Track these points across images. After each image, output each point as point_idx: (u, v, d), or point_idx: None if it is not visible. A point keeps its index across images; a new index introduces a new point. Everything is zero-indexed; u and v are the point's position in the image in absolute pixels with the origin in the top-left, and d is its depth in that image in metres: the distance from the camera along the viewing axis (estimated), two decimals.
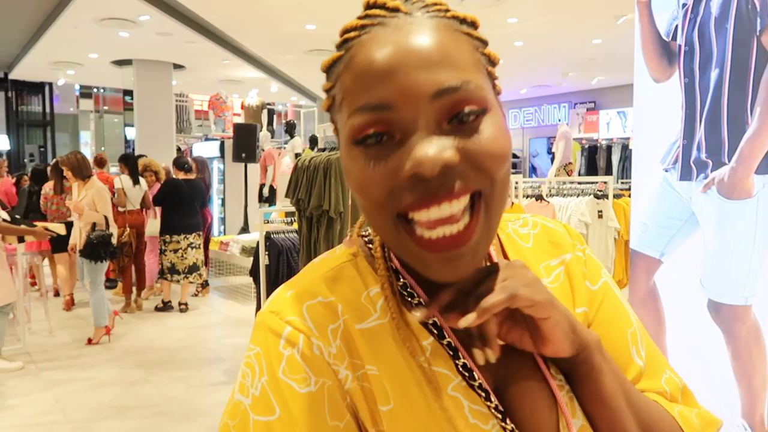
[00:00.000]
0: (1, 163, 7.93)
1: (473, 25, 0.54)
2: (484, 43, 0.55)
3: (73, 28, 7.31)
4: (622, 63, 7.36)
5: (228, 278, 7.77)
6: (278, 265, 5.01)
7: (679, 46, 2.77)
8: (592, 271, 0.66)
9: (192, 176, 6.12)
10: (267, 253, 5.02)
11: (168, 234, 5.83)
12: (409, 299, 0.57)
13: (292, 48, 8.12)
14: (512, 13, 6.49)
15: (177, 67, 9.32)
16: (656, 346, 0.66)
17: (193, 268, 5.92)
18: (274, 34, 7.47)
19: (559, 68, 9.94)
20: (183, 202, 5.80)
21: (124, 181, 6.04)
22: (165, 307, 6.14)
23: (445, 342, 0.56)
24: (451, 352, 0.55)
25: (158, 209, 6.07)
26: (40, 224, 4.59)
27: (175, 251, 5.81)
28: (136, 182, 6.07)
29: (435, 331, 0.56)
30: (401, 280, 0.58)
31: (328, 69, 0.54)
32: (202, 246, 6.07)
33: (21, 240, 4.94)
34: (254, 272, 5.98)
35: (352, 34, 0.52)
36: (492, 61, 0.56)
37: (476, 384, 0.55)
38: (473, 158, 0.49)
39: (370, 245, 0.60)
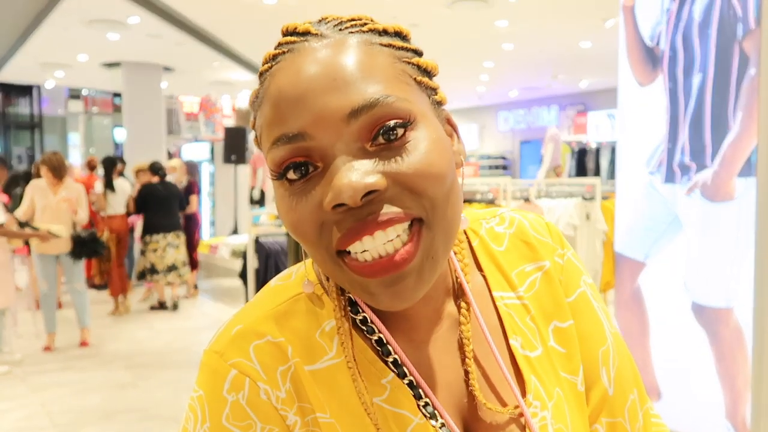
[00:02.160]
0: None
1: (398, 35, 0.51)
2: (416, 53, 0.51)
3: (62, 29, 7.26)
4: (610, 66, 7.43)
5: (217, 280, 7.75)
6: (267, 267, 5.00)
7: (663, 50, 2.80)
8: (570, 280, 0.62)
9: (166, 179, 6.25)
10: (256, 255, 5.01)
11: (148, 234, 6.00)
12: (369, 335, 0.53)
13: None
14: (501, 15, 6.52)
15: (166, 69, 9.28)
16: (630, 358, 0.64)
17: (172, 268, 6.03)
18: (264, 36, 7.46)
19: (548, 71, 10.00)
20: (159, 204, 5.96)
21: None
22: (161, 306, 6.23)
23: (406, 381, 0.52)
24: (413, 392, 0.52)
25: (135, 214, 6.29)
26: (43, 226, 4.62)
27: (155, 251, 5.96)
28: (107, 186, 6.10)
29: (395, 369, 0.52)
30: (359, 313, 0.54)
31: (252, 104, 0.52)
32: (182, 246, 6.17)
33: (26, 243, 5.12)
34: (243, 275, 5.99)
35: (266, 66, 0.50)
36: (426, 71, 0.51)
37: (438, 425, 0.51)
38: (403, 181, 0.45)
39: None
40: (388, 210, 0.45)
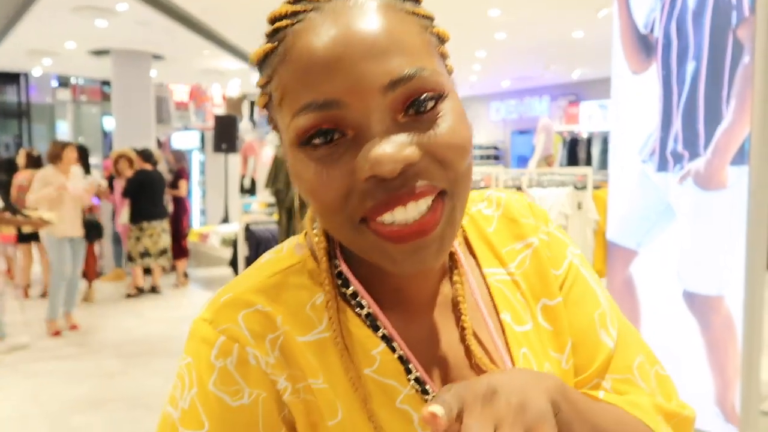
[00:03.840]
0: None
1: (416, 0, 0.50)
2: (431, 19, 0.51)
3: (49, 16, 7.15)
4: (603, 56, 7.43)
5: (207, 269, 7.72)
6: (257, 256, 4.98)
7: (657, 38, 2.79)
8: (556, 253, 0.62)
9: (155, 167, 6.37)
10: (246, 243, 4.99)
11: (145, 220, 6.08)
12: (357, 309, 0.53)
13: None
14: (494, 4, 6.49)
15: (156, 57, 9.17)
16: (634, 329, 0.64)
17: (163, 251, 6.25)
18: (254, 24, 7.37)
19: (540, 61, 9.99)
20: (154, 191, 6.10)
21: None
22: (139, 292, 6.32)
23: (396, 355, 0.52)
24: (403, 366, 0.52)
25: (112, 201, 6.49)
26: (34, 214, 4.62)
27: (151, 236, 6.12)
28: (86, 172, 6.08)
29: (385, 344, 0.52)
30: (350, 287, 0.53)
31: (261, 63, 0.49)
32: (169, 232, 6.37)
33: (19, 230, 5.46)
34: (234, 263, 5.97)
35: (284, 22, 0.47)
36: (441, 39, 0.51)
37: (430, 398, 0.51)
38: (435, 152, 0.45)
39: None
40: (421, 182, 0.45)
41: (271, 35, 0.48)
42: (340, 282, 0.54)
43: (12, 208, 4.57)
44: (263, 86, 0.50)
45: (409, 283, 0.54)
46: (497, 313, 0.58)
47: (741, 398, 2.62)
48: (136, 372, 4.10)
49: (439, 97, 0.46)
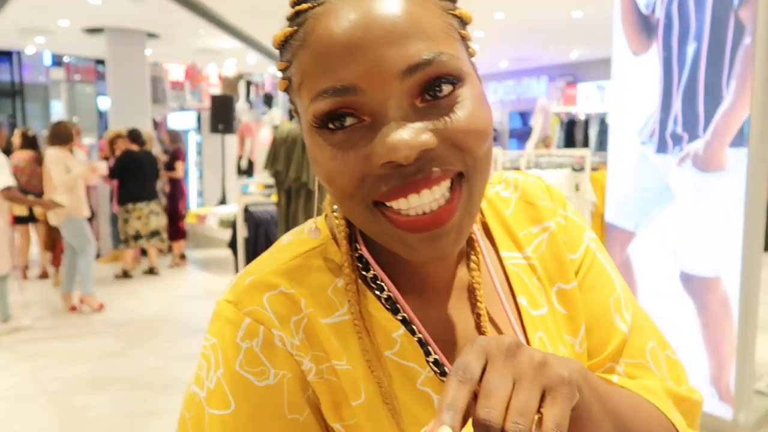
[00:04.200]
0: None
1: None
2: (453, 0, 0.50)
3: None
4: (602, 36, 7.37)
5: (206, 251, 7.73)
6: (256, 237, 4.99)
7: (658, 18, 2.78)
8: (573, 237, 0.63)
9: (145, 147, 6.27)
10: (245, 225, 4.99)
11: (131, 202, 6.02)
12: (378, 292, 0.54)
13: (270, 17, 7.94)
14: None
15: (151, 35, 9.07)
16: (646, 313, 0.64)
17: (155, 233, 6.18)
18: (251, 3, 7.30)
19: (539, 41, 9.91)
20: (142, 172, 5.99)
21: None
22: (125, 275, 6.33)
23: (415, 338, 0.53)
24: (422, 348, 0.53)
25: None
26: (45, 197, 4.74)
27: (139, 218, 6.05)
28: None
29: (405, 327, 0.53)
30: (370, 271, 0.54)
31: (282, 47, 0.49)
32: (162, 213, 6.27)
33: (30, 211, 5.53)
34: (233, 245, 5.97)
35: (305, 6, 0.47)
36: (463, 22, 0.51)
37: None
38: (452, 138, 0.45)
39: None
40: (437, 166, 0.45)
41: (292, 19, 0.48)
42: (360, 266, 0.55)
43: (21, 188, 4.61)
44: (283, 71, 0.50)
45: (428, 268, 0.55)
46: (514, 297, 0.59)
47: (736, 377, 2.66)
48: (136, 352, 4.13)
49: (457, 82, 0.46)
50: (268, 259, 0.55)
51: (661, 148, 2.81)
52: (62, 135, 4.89)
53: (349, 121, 0.45)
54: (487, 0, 7.07)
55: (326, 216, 0.58)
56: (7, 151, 6.47)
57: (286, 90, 0.51)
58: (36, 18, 8.36)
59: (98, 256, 6.94)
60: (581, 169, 4.93)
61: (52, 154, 4.82)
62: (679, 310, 2.80)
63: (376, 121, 0.45)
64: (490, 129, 0.48)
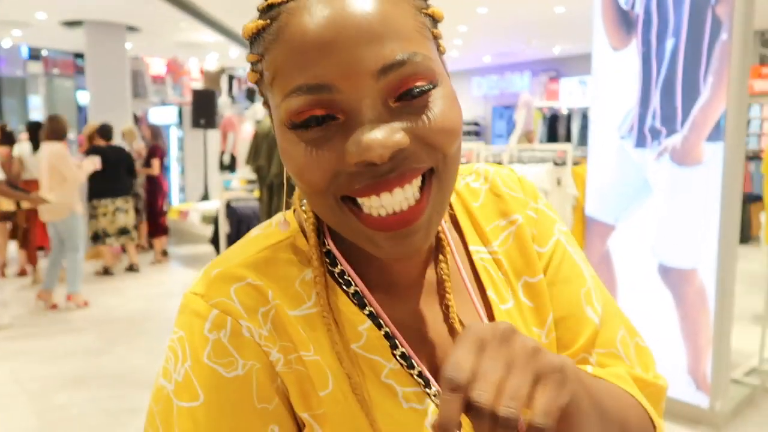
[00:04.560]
0: None
1: None
2: (425, 2, 0.50)
3: None
4: (584, 32, 7.43)
5: (188, 247, 7.67)
6: (239, 233, 4.96)
7: (638, 14, 2.81)
8: (543, 230, 0.63)
9: (108, 142, 6.08)
10: (227, 221, 4.96)
11: (96, 199, 5.91)
12: (345, 287, 0.54)
13: (252, 11, 7.87)
14: None
15: (131, 28, 8.95)
16: (615, 303, 0.65)
17: (123, 231, 6.03)
18: None
19: (522, 36, 9.96)
20: (109, 168, 5.80)
21: (23, 148, 5.91)
22: (105, 272, 6.24)
23: (382, 332, 0.53)
24: (389, 342, 0.53)
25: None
26: (33, 193, 4.68)
27: (104, 215, 5.93)
28: (36, 148, 5.88)
29: (372, 321, 0.53)
30: (338, 266, 0.54)
31: (253, 39, 0.49)
32: (131, 211, 6.11)
33: (18, 205, 5.44)
34: (215, 240, 5.93)
35: None
36: (435, 20, 0.51)
37: (415, 373, 0.53)
38: (424, 137, 0.46)
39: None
40: (409, 167, 0.46)
41: (264, 11, 0.48)
42: (328, 261, 0.55)
43: (10, 182, 4.55)
44: (254, 63, 0.49)
45: (396, 265, 0.55)
46: (483, 291, 0.59)
47: (712, 366, 2.71)
48: (118, 349, 4.09)
49: (431, 84, 0.46)
50: (236, 251, 0.55)
51: (640, 142, 2.85)
52: (60, 130, 4.83)
53: (322, 120, 0.45)
54: None
55: (295, 210, 0.58)
56: None
57: (257, 82, 0.51)
58: (12, 10, 8.21)
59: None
60: (563, 163, 4.97)
61: (57, 150, 4.75)
62: (657, 301, 2.84)
63: (350, 119, 0.45)
64: (460, 128, 0.48)
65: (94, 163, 5.33)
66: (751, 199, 7.37)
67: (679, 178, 2.72)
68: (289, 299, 0.52)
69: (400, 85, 0.45)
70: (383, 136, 0.43)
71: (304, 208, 0.56)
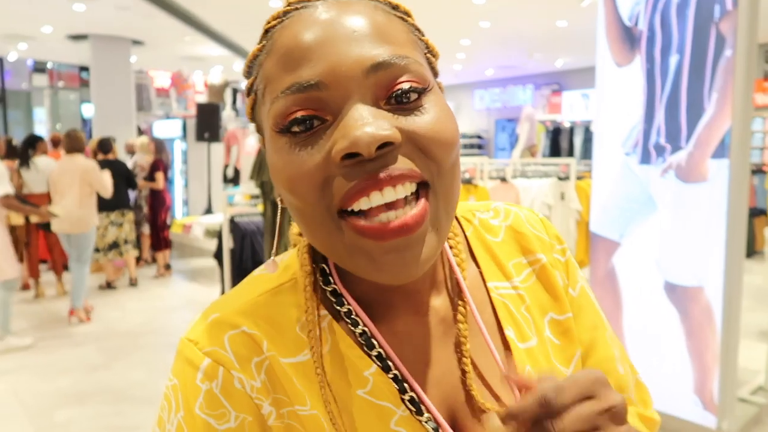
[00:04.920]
0: None
1: (406, 14, 0.50)
2: (420, 32, 0.51)
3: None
4: (586, 45, 7.45)
5: (191, 260, 7.66)
6: (242, 248, 4.95)
7: (641, 31, 2.81)
8: (573, 276, 0.62)
9: (111, 157, 6.07)
10: (231, 236, 4.95)
11: None
12: (352, 327, 0.51)
13: (256, 25, 7.92)
14: None
15: (136, 42, 9.01)
16: (617, 338, 0.65)
17: (113, 246, 5.97)
18: (236, 10, 7.29)
19: (524, 49, 9.99)
20: None
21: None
22: (108, 286, 6.22)
23: (390, 375, 0.50)
24: (397, 386, 0.50)
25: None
26: (43, 207, 4.71)
27: (96, 230, 5.85)
28: (23, 164, 5.87)
29: (380, 363, 0.51)
30: (344, 305, 0.52)
31: (250, 66, 0.48)
32: (127, 224, 6.05)
33: (27, 219, 5.54)
34: (218, 255, 5.91)
35: (275, 22, 0.47)
36: (431, 51, 0.51)
37: (425, 419, 0.50)
38: (416, 141, 0.44)
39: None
40: (401, 164, 0.43)
41: (263, 37, 0.48)
42: (334, 300, 0.53)
43: (18, 196, 4.58)
44: (250, 88, 0.49)
45: (401, 298, 0.53)
46: (501, 330, 0.57)
47: (720, 384, 2.68)
48: (119, 365, 4.07)
49: (422, 90, 0.45)
50: (235, 294, 0.54)
51: (645, 158, 2.83)
52: (80, 143, 4.93)
53: (311, 123, 0.44)
54: (473, 9, 7.12)
55: (299, 249, 0.56)
56: None
57: (252, 110, 0.50)
58: (19, 24, 8.28)
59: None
60: (566, 177, 4.96)
61: (89, 164, 4.87)
62: (663, 319, 2.81)
63: (338, 119, 0.44)
64: (456, 140, 0.46)
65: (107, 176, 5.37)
66: (755, 213, 7.34)
67: (684, 195, 2.70)
68: (286, 346, 0.50)
69: (390, 84, 0.44)
70: (372, 129, 0.41)
71: (301, 248, 0.54)
